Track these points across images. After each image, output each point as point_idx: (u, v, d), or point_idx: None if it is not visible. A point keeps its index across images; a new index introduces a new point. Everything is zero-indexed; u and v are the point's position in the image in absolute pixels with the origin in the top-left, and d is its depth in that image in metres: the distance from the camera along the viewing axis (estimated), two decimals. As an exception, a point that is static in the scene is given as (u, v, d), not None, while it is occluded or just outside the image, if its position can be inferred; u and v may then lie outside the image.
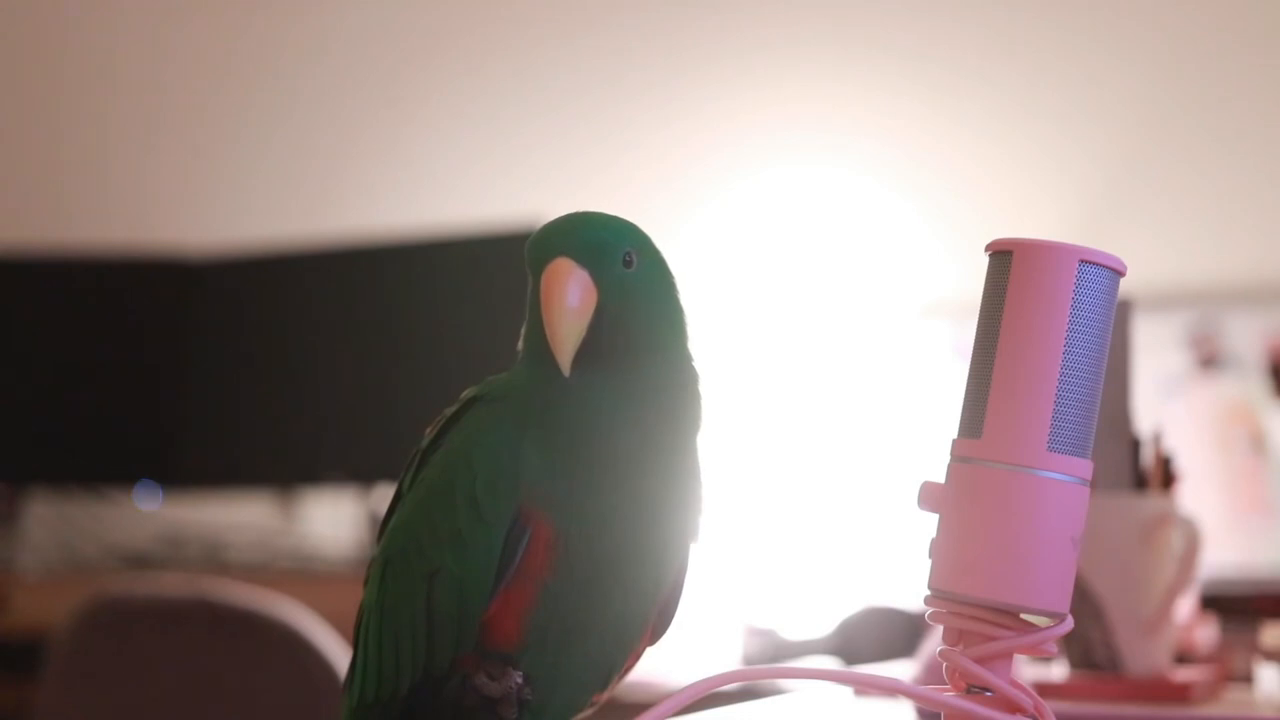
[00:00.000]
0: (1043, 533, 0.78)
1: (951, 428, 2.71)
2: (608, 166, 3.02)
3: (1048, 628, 0.80)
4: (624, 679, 0.89)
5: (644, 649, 0.88)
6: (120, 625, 1.98)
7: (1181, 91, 2.77)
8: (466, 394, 0.86)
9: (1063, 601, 0.79)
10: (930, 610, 0.81)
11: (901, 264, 2.86)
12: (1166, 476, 1.26)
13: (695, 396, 0.85)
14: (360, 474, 2.74)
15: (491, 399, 0.84)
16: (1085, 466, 0.80)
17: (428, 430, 0.87)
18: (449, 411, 0.86)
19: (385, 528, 0.87)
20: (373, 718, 0.86)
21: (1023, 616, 0.81)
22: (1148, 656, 1.21)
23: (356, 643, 0.87)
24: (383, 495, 2.74)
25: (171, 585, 1.99)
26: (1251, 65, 2.75)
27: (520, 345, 0.86)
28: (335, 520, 2.99)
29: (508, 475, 0.82)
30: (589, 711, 0.88)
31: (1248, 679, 1.53)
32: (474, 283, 2.70)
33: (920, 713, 1.11)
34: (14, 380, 2.89)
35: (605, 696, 0.87)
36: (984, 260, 2.84)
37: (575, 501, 0.82)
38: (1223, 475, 2.60)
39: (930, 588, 0.80)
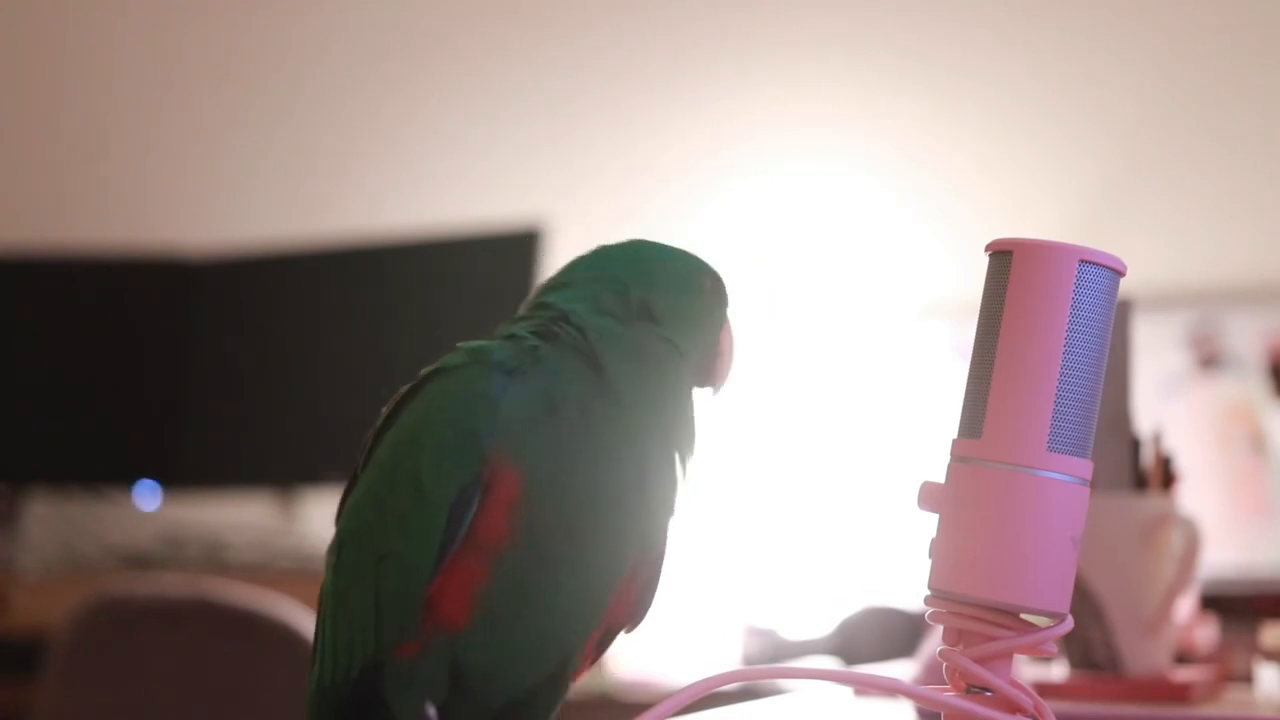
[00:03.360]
0: (1043, 533, 0.78)
1: (951, 428, 2.71)
2: (608, 167, 3.02)
3: (1048, 628, 0.80)
4: (589, 668, 0.89)
5: (605, 637, 0.88)
6: (120, 625, 1.98)
7: (1181, 91, 2.77)
8: (424, 371, 0.86)
9: (1063, 601, 0.79)
10: (930, 610, 0.81)
11: (901, 264, 2.86)
12: (1166, 476, 1.26)
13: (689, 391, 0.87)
14: (360, 474, 2.74)
15: (455, 367, 0.84)
16: (1085, 466, 0.80)
17: (384, 409, 0.87)
18: (404, 389, 0.86)
19: (341, 510, 0.88)
20: (330, 699, 0.86)
21: (1023, 616, 0.81)
22: (1148, 656, 1.21)
23: (317, 626, 0.88)
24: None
25: (171, 585, 1.99)
26: (1251, 65, 2.75)
27: (502, 333, 0.86)
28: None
29: (455, 452, 0.82)
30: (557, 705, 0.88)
31: (1248, 679, 1.53)
32: (474, 283, 2.70)
33: (920, 713, 1.11)
34: (14, 380, 2.89)
35: (572, 680, 0.87)
36: (984, 260, 2.84)
37: (552, 449, 0.82)
38: (1223, 475, 2.60)
39: (930, 588, 0.80)
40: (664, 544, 0.87)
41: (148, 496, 2.90)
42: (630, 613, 0.88)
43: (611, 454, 0.83)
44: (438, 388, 0.84)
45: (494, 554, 0.82)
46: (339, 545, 0.86)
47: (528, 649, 0.83)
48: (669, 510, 0.86)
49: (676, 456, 0.85)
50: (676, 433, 0.85)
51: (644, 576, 0.87)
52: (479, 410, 0.82)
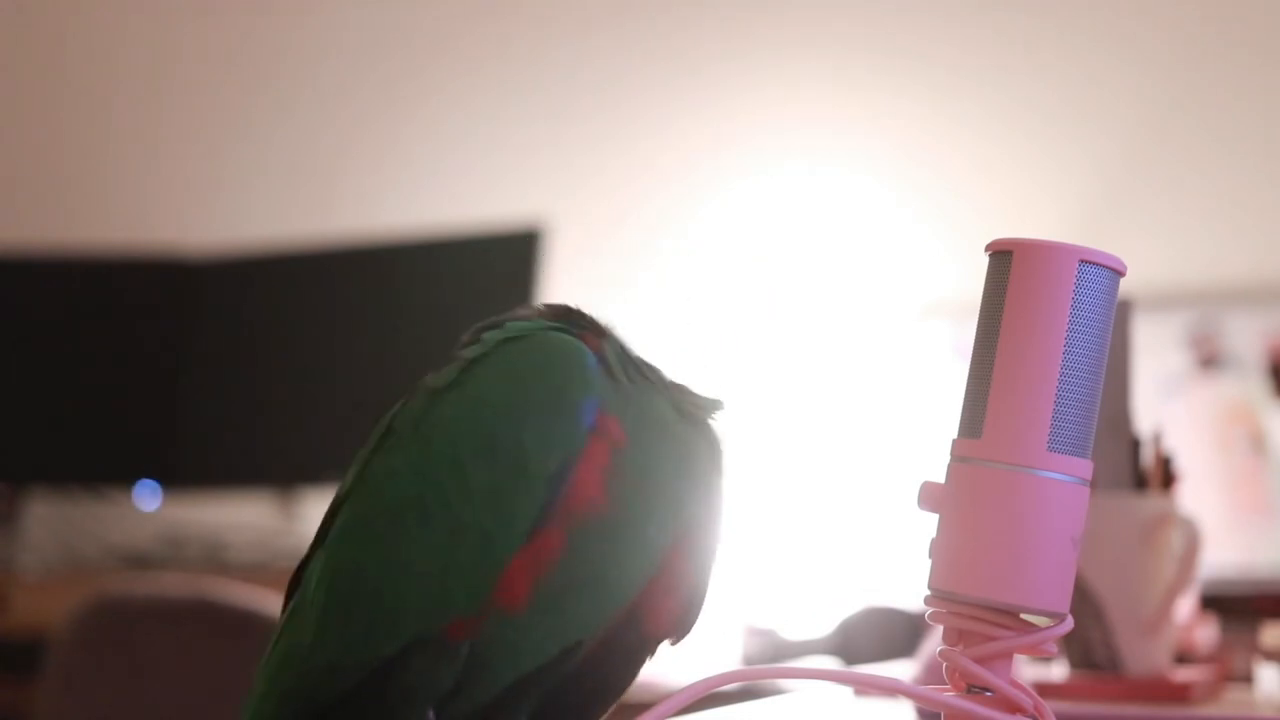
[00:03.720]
0: (1043, 533, 0.78)
1: (951, 428, 2.71)
2: (608, 167, 3.02)
3: (1048, 628, 0.80)
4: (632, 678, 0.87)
5: (643, 644, 0.86)
6: (120, 625, 1.98)
7: (1181, 91, 2.77)
8: (491, 337, 0.82)
9: (1063, 601, 0.79)
10: (930, 610, 0.81)
11: (901, 264, 2.86)
12: (1166, 476, 1.26)
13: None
14: (360, 474, 2.74)
15: (536, 330, 0.81)
16: (1085, 466, 0.80)
17: (441, 371, 0.81)
18: (470, 354, 0.81)
19: (370, 468, 0.81)
20: (320, 689, 0.80)
21: (1023, 616, 0.81)
22: (1148, 656, 1.21)
23: (325, 596, 0.80)
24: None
25: (171, 585, 1.99)
26: (1251, 65, 2.75)
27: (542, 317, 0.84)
28: (335, 520, 2.99)
29: (562, 421, 0.78)
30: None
31: (1248, 679, 1.53)
32: (474, 283, 2.70)
33: (920, 713, 1.11)
34: (14, 380, 2.89)
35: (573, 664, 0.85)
36: (984, 260, 2.84)
37: (632, 405, 0.80)
38: (1223, 475, 2.60)
39: (930, 588, 0.80)
40: (711, 534, 0.84)
41: (148, 496, 2.90)
42: (674, 621, 0.85)
43: (663, 409, 0.82)
44: (525, 350, 0.80)
45: (580, 523, 0.79)
46: (392, 512, 0.79)
47: (562, 629, 0.81)
48: (714, 482, 0.84)
49: (710, 420, 0.85)
50: (703, 399, 0.85)
51: (689, 578, 0.85)
52: (583, 376, 0.79)
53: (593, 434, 0.79)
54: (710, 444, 0.84)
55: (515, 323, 0.83)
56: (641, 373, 0.83)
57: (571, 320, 0.84)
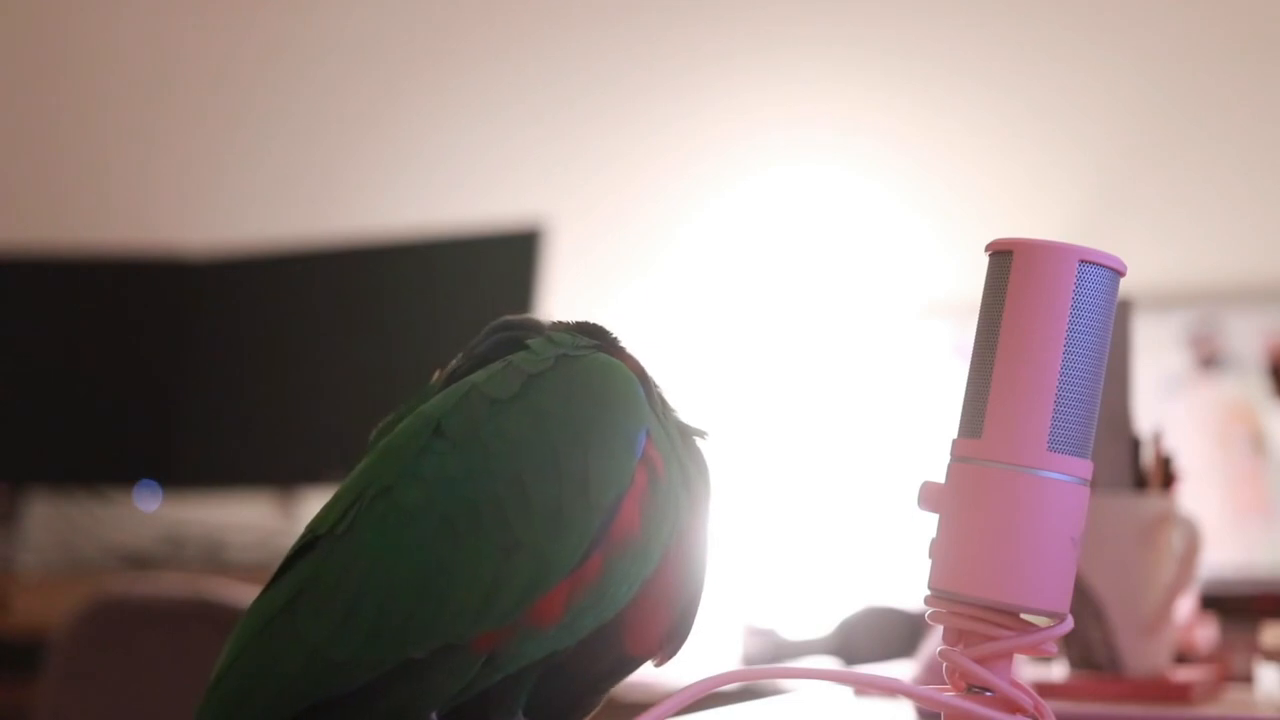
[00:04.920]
0: (1043, 533, 0.78)
1: (951, 428, 2.71)
2: (608, 167, 3.02)
3: (1048, 628, 0.80)
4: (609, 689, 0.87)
5: (627, 664, 0.87)
6: (120, 625, 1.98)
7: (1181, 91, 2.77)
8: (542, 348, 0.82)
9: (1063, 601, 0.79)
10: (930, 610, 0.81)
11: (901, 264, 2.86)
12: (1166, 476, 1.26)
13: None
14: (360, 474, 2.74)
15: (591, 355, 0.81)
16: (1085, 466, 0.80)
17: (493, 377, 0.80)
18: (529, 366, 0.80)
19: (419, 467, 0.79)
20: (340, 677, 0.78)
21: (1023, 616, 0.81)
22: (1148, 656, 1.21)
23: (357, 590, 0.78)
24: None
25: (171, 585, 1.99)
26: (1251, 65, 2.75)
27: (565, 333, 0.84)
28: (335, 520, 2.98)
29: (624, 455, 0.79)
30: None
31: (1248, 679, 1.53)
32: (474, 283, 2.70)
33: (920, 713, 1.11)
34: (14, 380, 2.89)
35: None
36: (984, 260, 2.84)
37: (659, 431, 0.82)
38: (1223, 475, 2.60)
39: (930, 588, 0.80)
40: (702, 552, 0.85)
41: (148, 496, 2.90)
42: (662, 640, 0.85)
43: (671, 429, 0.83)
44: (587, 373, 0.80)
45: (618, 550, 0.79)
46: (446, 519, 0.77)
47: (567, 638, 0.81)
48: (705, 499, 0.85)
49: (697, 436, 0.86)
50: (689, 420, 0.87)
51: (680, 598, 0.84)
52: (638, 407, 0.80)
53: (640, 463, 0.80)
54: (699, 460, 0.85)
55: (559, 334, 0.83)
56: (660, 394, 0.84)
57: (599, 336, 0.85)
